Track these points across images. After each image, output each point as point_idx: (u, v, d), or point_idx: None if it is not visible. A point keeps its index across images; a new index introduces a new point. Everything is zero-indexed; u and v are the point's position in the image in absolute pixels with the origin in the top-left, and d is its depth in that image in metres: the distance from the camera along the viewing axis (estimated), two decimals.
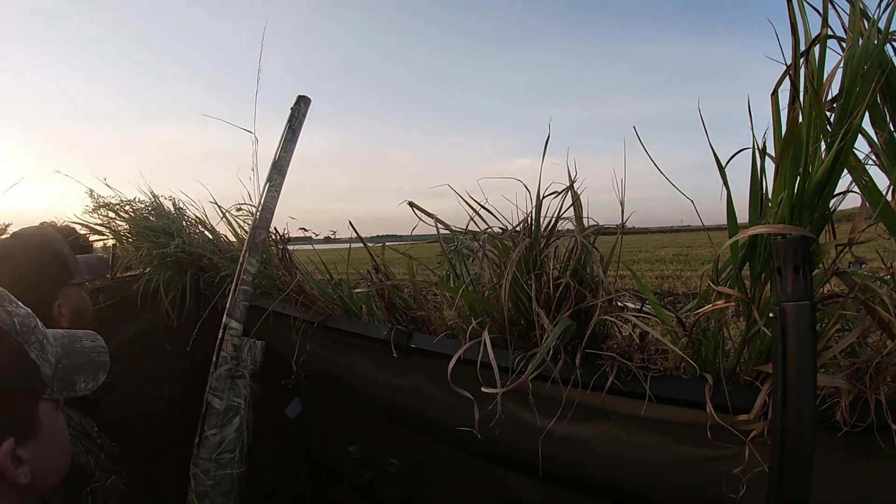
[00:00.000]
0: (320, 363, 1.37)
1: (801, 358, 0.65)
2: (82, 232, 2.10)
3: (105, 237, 2.18)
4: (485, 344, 0.89)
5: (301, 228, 1.38)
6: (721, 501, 0.80)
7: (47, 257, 1.40)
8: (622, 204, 0.85)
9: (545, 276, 0.89)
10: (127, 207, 2.01)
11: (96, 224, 2.14)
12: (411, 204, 1.03)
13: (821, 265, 0.73)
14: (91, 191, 2.07)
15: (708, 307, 0.78)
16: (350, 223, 1.17)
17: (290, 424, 1.59)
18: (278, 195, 1.18)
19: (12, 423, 0.73)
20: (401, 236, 1.21)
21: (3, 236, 1.67)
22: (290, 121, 1.21)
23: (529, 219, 0.93)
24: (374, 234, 1.22)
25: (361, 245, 1.24)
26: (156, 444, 1.73)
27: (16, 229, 1.57)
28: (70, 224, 2.11)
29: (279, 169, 1.20)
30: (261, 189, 1.21)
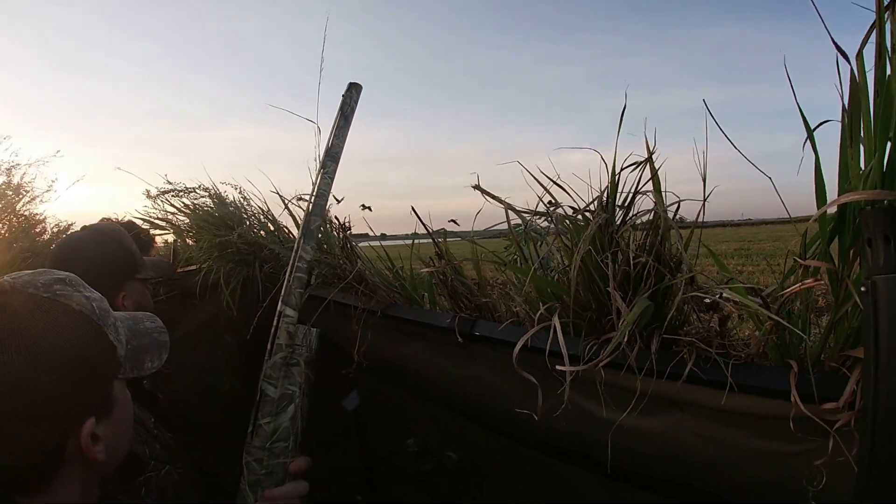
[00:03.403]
0: (380, 353, 1.36)
1: (894, 335, 0.60)
2: (144, 227, 2.16)
3: (167, 232, 2.22)
4: (554, 329, 0.86)
5: (364, 207, 1.37)
6: (800, 498, 0.75)
7: (116, 250, 1.46)
8: (704, 179, 0.80)
9: (621, 255, 0.85)
10: (187, 200, 2.03)
11: (158, 219, 2.19)
12: (477, 187, 1.01)
13: None
14: (151, 189, 2.12)
15: (796, 286, 0.74)
16: (412, 208, 1.16)
17: (347, 416, 1.59)
18: (332, 182, 1.19)
19: (94, 402, 0.78)
20: (462, 232, 1.19)
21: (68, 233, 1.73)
22: (341, 108, 1.21)
23: (605, 194, 0.89)
24: (437, 229, 1.21)
25: (424, 240, 1.23)
26: (214, 435, 1.76)
27: (79, 228, 1.63)
28: (131, 219, 2.17)
29: (332, 156, 1.20)
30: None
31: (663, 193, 0.84)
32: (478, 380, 1.15)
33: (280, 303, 1.14)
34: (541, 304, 0.94)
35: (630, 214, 0.88)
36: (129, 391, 0.87)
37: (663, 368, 0.81)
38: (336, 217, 1.41)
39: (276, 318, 1.13)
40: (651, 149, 0.83)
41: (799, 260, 0.75)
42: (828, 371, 0.75)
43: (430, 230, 1.17)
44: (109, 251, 1.44)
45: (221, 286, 1.84)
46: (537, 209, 0.95)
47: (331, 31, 1.45)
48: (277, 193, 1.69)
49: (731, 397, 0.78)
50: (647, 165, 0.84)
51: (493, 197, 0.99)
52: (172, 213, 2.13)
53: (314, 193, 1.19)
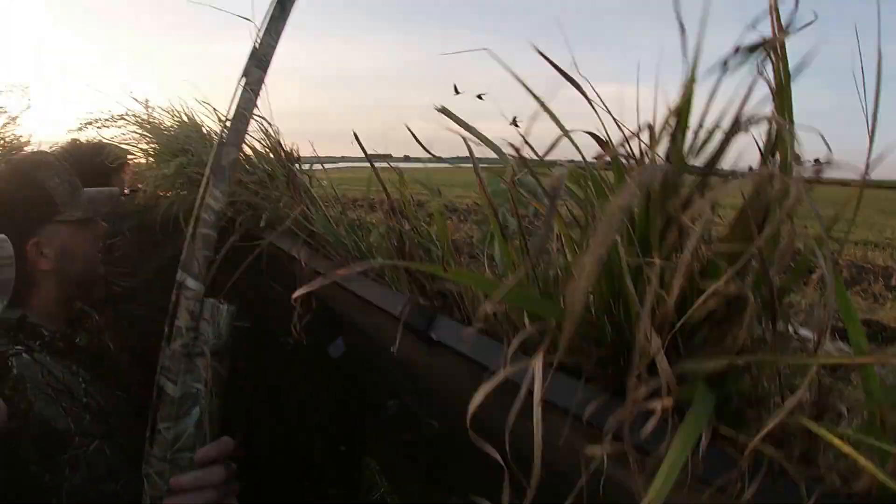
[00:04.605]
0: (346, 311, 1.05)
1: None
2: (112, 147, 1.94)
3: (134, 157, 2.01)
4: (533, 375, 0.46)
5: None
6: None
7: (18, 188, 1.21)
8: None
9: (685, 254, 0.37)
10: (147, 121, 1.81)
11: (124, 143, 2.00)
12: (443, 110, 0.62)
13: None
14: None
15: None
16: (355, 134, 0.80)
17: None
18: (256, 98, 0.82)
19: None
20: (428, 159, 0.79)
21: None
22: None
23: (669, 121, 0.40)
24: (402, 156, 0.84)
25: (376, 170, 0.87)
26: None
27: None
28: (100, 140, 1.99)
29: (259, 59, 0.81)
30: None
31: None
32: (444, 376, 0.82)
33: (179, 270, 0.82)
34: (526, 319, 0.54)
35: (716, 165, 0.40)
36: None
37: (710, 476, 0.43)
38: (280, 142, 1.05)
39: (174, 291, 0.83)
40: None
41: None
42: None
43: (373, 165, 0.80)
44: (14, 190, 1.20)
45: (181, 221, 1.56)
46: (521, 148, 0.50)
47: None
48: (209, 105, 1.34)
49: None
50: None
51: (464, 125, 0.59)
52: (141, 135, 1.92)
53: (230, 114, 0.83)
